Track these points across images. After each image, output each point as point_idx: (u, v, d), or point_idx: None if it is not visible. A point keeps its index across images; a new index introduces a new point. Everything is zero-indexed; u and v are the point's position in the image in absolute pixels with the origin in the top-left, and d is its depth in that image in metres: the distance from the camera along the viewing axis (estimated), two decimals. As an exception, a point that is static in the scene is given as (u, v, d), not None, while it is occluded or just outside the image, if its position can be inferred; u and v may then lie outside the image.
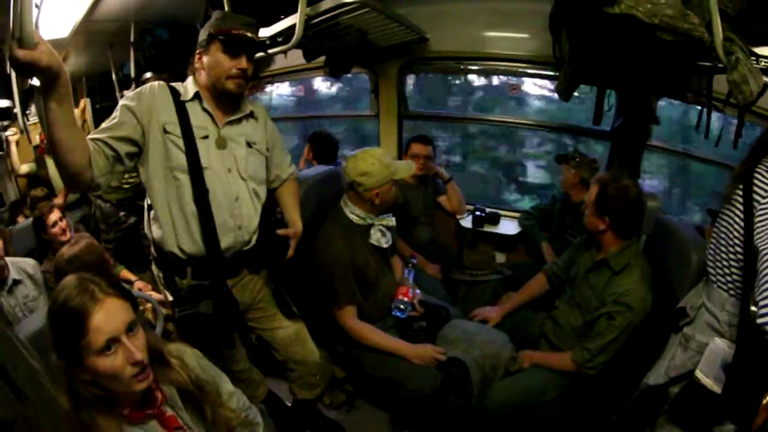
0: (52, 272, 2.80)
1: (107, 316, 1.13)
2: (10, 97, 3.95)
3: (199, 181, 1.80)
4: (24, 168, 5.21)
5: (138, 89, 1.81)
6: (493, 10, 2.98)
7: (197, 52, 1.83)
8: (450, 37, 3.12)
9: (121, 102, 1.76)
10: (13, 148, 5.25)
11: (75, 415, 1.19)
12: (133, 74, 4.00)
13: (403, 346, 2.32)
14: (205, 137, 1.84)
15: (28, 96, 3.92)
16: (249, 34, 1.80)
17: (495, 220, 3.61)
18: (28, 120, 5.14)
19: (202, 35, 1.82)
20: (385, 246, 2.43)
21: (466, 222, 3.63)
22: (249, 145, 1.95)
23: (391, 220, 2.43)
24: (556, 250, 3.10)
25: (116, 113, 1.73)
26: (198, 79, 1.87)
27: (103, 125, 1.72)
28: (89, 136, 1.62)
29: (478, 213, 3.55)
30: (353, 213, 2.37)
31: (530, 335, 2.51)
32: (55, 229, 3.06)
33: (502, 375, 2.32)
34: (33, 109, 5.13)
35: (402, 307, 2.45)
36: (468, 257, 3.31)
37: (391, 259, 2.68)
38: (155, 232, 1.90)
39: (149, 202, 1.91)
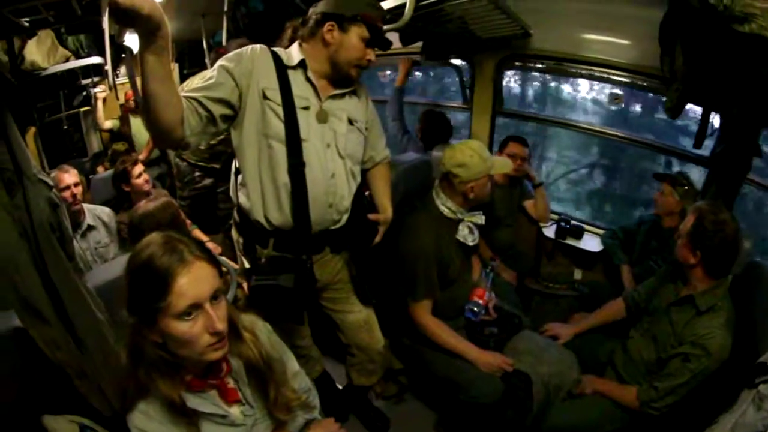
0: (126, 224, 2.97)
1: (194, 280, 1.12)
2: (102, 54, 4.13)
3: (296, 153, 1.78)
4: (108, 123, 5.51)
5: (238, 50, 1.78)
6: (597, 12, 2.87)
7: (328, 24, 1.76)
8: (552, 35, 3.03)
9: (219, 62, 1.75)
10: (100, 104, 5.55)
11: (133, 373, 1.20)
12: (224, 43, 4.05)
13: (473, 350, 2.28)
14: (306, 108, 1.81)
15: (119, 54, 4.10)
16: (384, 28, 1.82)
17: (578, 234, 3.51)
18: (117, 78, 5.47)
19: (340, 8, 1.76)
20: (470, 244, 2.39)
21: (549, 231, 3.56)
22: (350, 122, 1.93)
23: (481, 219, 2.38)
24: (635, 276, 2.98)
25: (213, 73, 1.72)
26: (308, 48, 1.83)
27: (199, 84, 1.70)
28: (183, 94, 1.59)
29: (562, 224, 3.48)
30: (444, 205, 2.32)
31: (597, 360, 2.43)
32: (139, 180, 3.21)
33: (564, 397, 2.26)
34: (122, 69, 5.45)
35: (476, 309, 2.40)
36: (545, 268, 3.25)
37: (471, 257, 2.64)
38: (242, 198, 1.90)
39: (237, 167, 1.92)
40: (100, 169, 4.88)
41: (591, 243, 3.50)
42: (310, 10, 1.85)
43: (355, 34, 1.77)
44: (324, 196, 1.86)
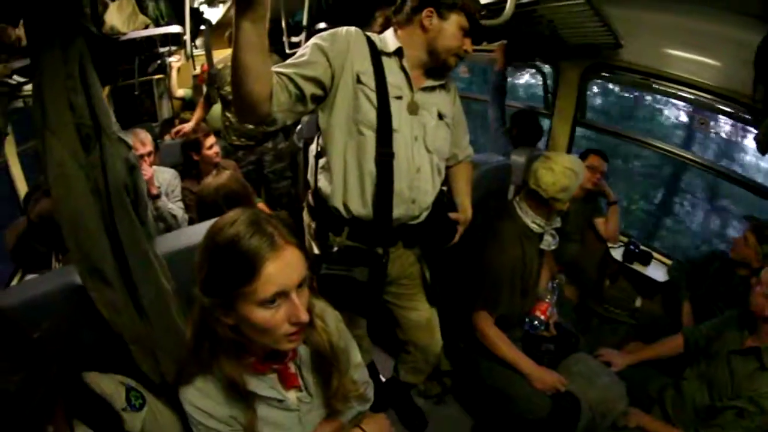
0: (194, 195, 3.05)
1: (284, 267, 1.05)
2: (182, 24, 4.27)
3: (385, 142, 1.73)
4: (180, 92, 5.67)
5: (332, 31, 1.73)
6: (690, 29, 2.72)
7: (427, 10, 1.73)
8: (641, 47, 2.91)
9: (312, 40, 1.70)
10: (174, 73, 5.74)
11: (197, 349, 1.19)
12: (305, 22, 4.06)
13: (529, 364, 2.23)
14: (399, 98, 1.77)
15: (198, 26, 4.22)
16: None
17: (646, 260, 3.40)
18: (195, 48, 5.64)
19: None
20: (552, 248, 2.36)
21: (616, 252, 3.48)
22: (440, 116, 1.88)
23: (559, 222, 2.33)
24: (696, 314, 2.85)
25: (306, 51, 1.67)
26: (404, 35, 1.79)
27: (290, 61, 1.66)
28: (274, 69, 1.55)
29: (631, 247, 3.40)
30: (534, 222, 2.26)
31: (646, 395, 2.34)
32: (210, 152, 3.27)
33: (607, 426, 2.18)
34: (198, 41, 5.62)
35: (536, 323, 2.38)
36: (608, 291, 3.15)
37: (542, 268, 2.59)
38: (321, 182, 1.85)
39: (319, 150, 1.87)
40: (167, 137, 5.07)
41: (657, 272, 3.38)
42: None
43: (455, 22, 1.72)
44: (408, 190, 1.81)
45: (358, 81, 1.71)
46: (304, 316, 1.08)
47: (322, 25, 3.75)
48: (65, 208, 1.21)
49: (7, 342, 1.14)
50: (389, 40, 1.80)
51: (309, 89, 1.64)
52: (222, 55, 4.06)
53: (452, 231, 2.01)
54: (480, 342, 2.29)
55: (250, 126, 3.88)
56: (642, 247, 3.42)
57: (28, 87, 3.49)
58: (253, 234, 1.04)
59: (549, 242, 2.32)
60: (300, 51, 1.70)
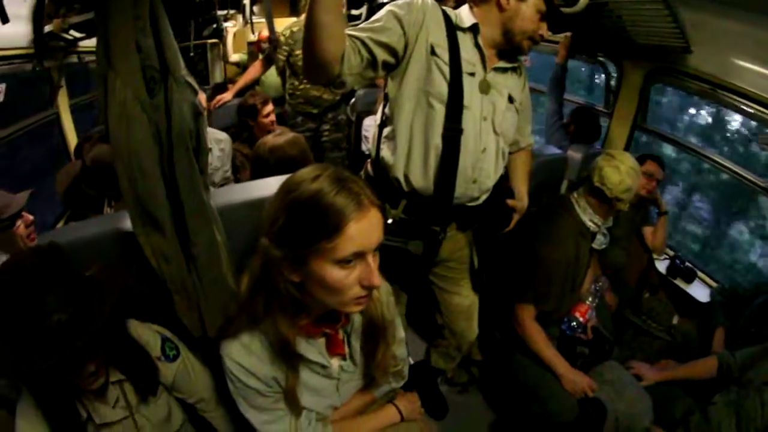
0: (245, 158, 3.07)
1: (367, 227, 1.03)
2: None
3: (455, 117, 1.69)
4: (235, 57, 5.69)
5: (408, 0, 1.66)
6: (763, 41, 2.52)
7: None
8: (710, 55, 2.74)
9: (387, 7, 1.65)
10: (230, 38, 5.78)
11: (250, 303, 1.17)
12: None
13: (563, 364, 2.19)
14: (471, 74, 1.72)
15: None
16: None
17: (690, 277, 3.28)
18: (254, 14, 5.66)
19: None
20: (602, 247, 2.31)
21: (660, 265, 3.37)
22: (510, 99, 1.84)
23: (611, 221, 2.29)
24: (729, 344, 2.73)
25: (381, 16, 1.63)
26: (479, 13, 1.73)
27: (364, 25, 1.62)
28: (347, 31, 1.52)
29: (677, 262, 3.28)
30: (592, 220, 2.22)
31: (671, 415, 2.27)
32: (266, 120, 3.32)
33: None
34: (256, 8, 5.64)
35: (574, 324, 2.34)
36: (647, 303, 3.06)
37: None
38: (384, 151, 1.82)
39: (384, 118, 1.83)
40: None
41: (699, 291, 3.26)
42: None
43: (532, 5, 1.67)
44: (471, 170, 1.77)
45: (433, 53, 1.67)
46: (377, 280, 1.07)
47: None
48: (124, 150, 1.19)
49: (60, 277, 1.16)
50: (465, 15, 1.74)
51: (381, 55, 1.61)
52: (282, 24, 4.05)
53: (508, 217, 1.97)
54: (517, 335, 2.26)
55: (315, 93, 3.96)
56: (687, 264, 3.30)
57: (84, 43, 3.59)
58: (339, 191, 1.02)
59: (601, 241, 2.28)
60: (375, 16, 1.66)
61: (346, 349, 1.34)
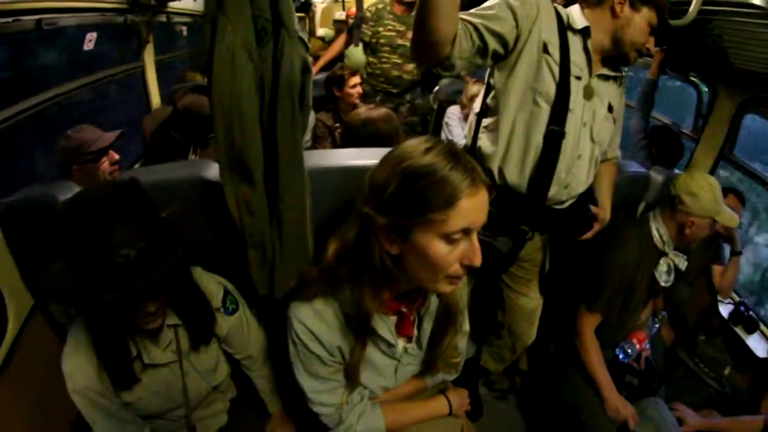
0: (332, 126, 3.13)
1: (477, 204, 1.01)
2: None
3: (559, 120, 1.66)
4: (321, 31, 5.79)
5: None
6: None
7: None
8: None
9: None
10: (319, 12, 5.88)
11: (334, 269, 1.15)
12: None
13: (611, 387, 2.09)
14: (578, 78, 1.68)
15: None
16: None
17: (752, 328, 3.03)
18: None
19: None
20: (662, 284, 2.20)
21: (723, 308, 3.16)
22: (609, 108, 1.80)
23: (683, 263, 2.18)
24: None
25: (494, 4, 1.58)
26: (590, 15, 1.68)
27: (477, 11, 1.57)
28: (460, 15, 1.47)
29: (741, 308, 3.06)
30: (658, 231, 2.13)
31: None
32: (352, 91, 3.35)
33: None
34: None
35: (629, 351, 2.24)
36: (702, 346, 2.93)
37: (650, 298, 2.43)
38: (483, 141, 1.79)
39: (486, 108, 1.80)
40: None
41: (759, 345, 3.02)
42: None
43: (645, 16, 1.63)
44: (565, 173, 1.74)
45: (545, 50, 1.62)
46: (479, 260, 1.04)
47: None
48: (226, 95, 1.18)
49: (134, 211, 1.14)
50: (577, 16, 1.69)
51: (492, 44, 1.56)
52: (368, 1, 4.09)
53: (589, 225, 1.92)
54: (572, 349, 2.20)
55: (396, 72, 4.03)
56: (752, 313, 3.06)
57: (173, 3, 3.73)
58: (454, 165, 0.99)
59: (661, 273, 2.18)
60: (487, 3, 1.61)
61: (415, 332, 1.31)
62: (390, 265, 1.08)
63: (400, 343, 1.31)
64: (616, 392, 2.10)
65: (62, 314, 1.82)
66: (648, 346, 2.31)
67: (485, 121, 1.80)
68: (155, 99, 3.94)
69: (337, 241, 1.17)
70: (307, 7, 6.02)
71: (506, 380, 2.67)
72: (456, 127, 3.81)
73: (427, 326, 1.32)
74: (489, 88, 1.78)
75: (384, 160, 1.08)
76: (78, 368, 1.27)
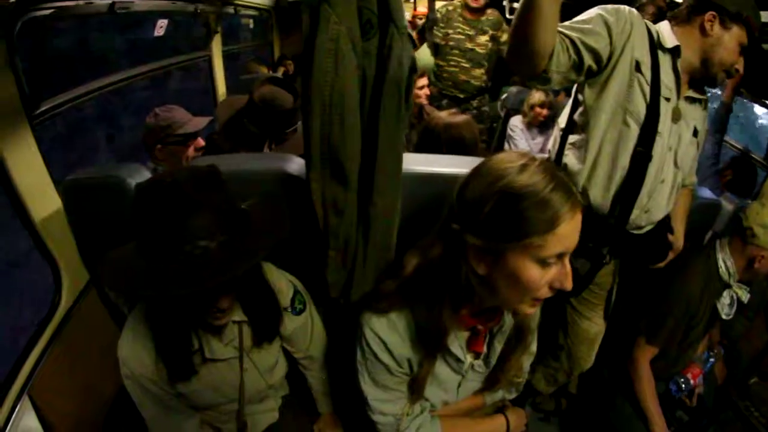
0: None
1: (574, 228, 0.96)
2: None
3: (647, 142, 1.57)
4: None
5: (615, 6, 1.53)
6: None
7: (710, 13, 1.54)
8: None
9: (596, 9, 1.53)
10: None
11: (414, 283, 1.12)
12: None
13: (661, 423, 2.00)
14: (667, 99, 1.59)
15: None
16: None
17: (809, 376, 2.85)
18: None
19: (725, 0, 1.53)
20: (723, 317, 2.09)
21: (779, 351, 2.97)
22: (695, 133, 1.71)
23: (747, 296, 2.06)
24: None
25: (589, 18, 1.51)
26: (679, 33, 1.60)
27: (572, 24, 1.50)
28: (558, 28, 1.40)
29: (799, 352, 2.86)
30: (725, 262, 2.01)
31: None
32: (420, 92, 3.20)
33: None
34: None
35: (683, 386, 2.16)
36: (755, 389, 2.80)
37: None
38: (569, 158, 1.72)
39: (573, 124, 1.72)
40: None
41: None
42: None
43: (735, 35, 1.55)
44: (647, 198, 1.66)
45: (637, 69, 1.54)
46: (570, 284, 1.00)
47: None
48: (327, 87, 1.11)
49: (214, 202, 1.05)
50: (667, 34, 1.60)
51: (587, 60, 1.49)
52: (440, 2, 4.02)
53: (665, 253, 1.86)
54: (626, 377, 2.11)
55: (463, 77, 3.96)
56: None
57: None
58: (555, 187, 0.93)
59: (724, 305, 2.07)
60: (582, 16, 1.53)
61: (484, 349, 1.27)
62: (475, 285, 1.03)
63: (468, 359, 1.26)
64: (665, 427, 2.03)
65: (120, 298, 1.81)
66: (701, 382, 2.23)
67: (572, 138, 1.72)
68: (221, 88, 3.98)
69: (417, 257, 1.14)
70: None
71: (553, 401, 2.59)
72: (520, 140, 3.73)
73: (498, 345, 1.28)
74: (576, 104, 1.70)
75: (476, 176, 1.01)
76: (134, 356, 1.22)
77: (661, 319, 2.02)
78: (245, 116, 2.09)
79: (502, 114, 4.23)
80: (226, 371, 1.36)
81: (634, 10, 1.57)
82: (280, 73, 4.67)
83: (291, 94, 2.09)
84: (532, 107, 3.72)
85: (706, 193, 2.31)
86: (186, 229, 1.01)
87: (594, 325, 2.03)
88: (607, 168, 1.63)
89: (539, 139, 3.78)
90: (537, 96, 3.70)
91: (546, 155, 2.99)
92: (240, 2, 4.08)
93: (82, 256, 1.76)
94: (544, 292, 1.00)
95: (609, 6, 1.54)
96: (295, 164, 1.48)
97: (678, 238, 1.90)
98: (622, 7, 1.55)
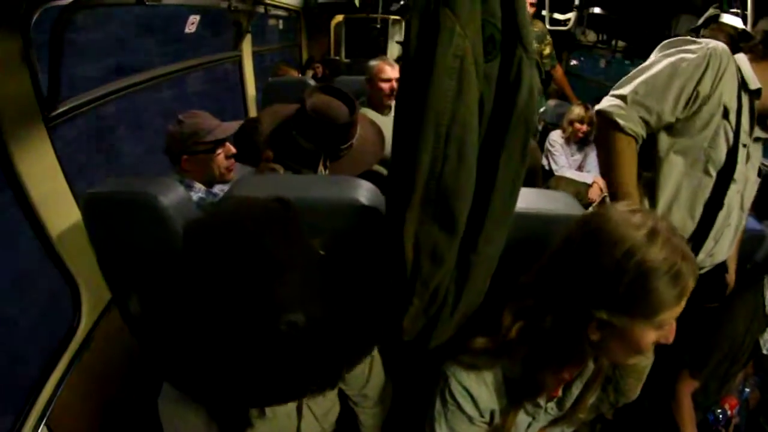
0: None
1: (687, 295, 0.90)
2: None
3: (722, 190, 1.45)
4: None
5: (706, 50, 1.37)
6: None
7: None
8: None
9: (684, 48, 1.39)
10: None
11: (512, 343, 1.01)
12: (577, 1, 3.59)
13: None
14: (744, 145, 1.45)
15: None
16: None
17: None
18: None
19: None
20: (764, 352, 2.02)
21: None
22: (759, 173, 1.60)
23: None
24: None
25: (683, 62, 1.39)
26: (757, 69, 1.42)
27: (649, 83, 1.42)
28: (628, 94, 1.42)
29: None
30: None
31: None
32: None
33: None
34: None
35: (721, 417, 2.11)
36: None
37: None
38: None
39: (643, 161, 1.54)
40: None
41: None
42: (760, 24, 1.52)
43: None
44: (713, 242, 1.55)
45: (725, 116, 1.39)
46: (672, 339, 0.97)
47: (596, 9, 3.34)
48: (445, 116, 0.87)
49: (302, 255, 0.80)
50: (750, 74, 1.42)
51: (666, 119, 1.41)
52: None
53: (723, 293, 1.79)
54: (666, 408, 2.06)
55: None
56: None
57: None
58: (684, 257, 0.87)
59: (766, 341, 2.01)
60: (669, 63, 1.39)
61: (560, 393, 1.20)
62: (585, 349, 0.97)
63: (542, 403, 1.19)
64: None
65: (136, 308, 1.63)
66: (738, 413, 2.17)
67: (643, 177, 1.55)
68: (251, 90, 3.74)
69: (519, 319, 1.01)
70: (404, 10, 5.82)
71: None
72: (560, 156, 3.46)
73: (576, 390, 1.21)
74: (650, 143, 1.51)
75: (598, 243, 0.90)
76: (179, 415, 0.99)
77: (706, 355, 1.97)
78: (295, 128, 1.76)
79: (540, 128, 3.99)
80: (284, 421, 1.17)
81: (726, 47, 1.40)
82: (309, 76, 4.45)
83: (346, 105, 1.76)
84: (571, 122, 3.47)
85: (753, 223, 2.18)
86: (270, 300, 0.74)
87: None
88: (682, 216, 1.50)
89: (578, 156, 3.52)
90: (577, 111, 3.46)
91: (589, 176, 2.80)
92: (271, 1, 3.88)
93: (103, 272, 1.56)
94: (649, 347, 0.96)
95: (699, 52, 1.38)
96: (370, 192, 1.23)
97: (732, 275, 1.80)
98: (717, 45, 1.38)
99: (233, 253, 0.73)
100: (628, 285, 0.86)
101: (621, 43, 4.04)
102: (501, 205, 0.97)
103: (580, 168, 3.28)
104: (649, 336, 0.90)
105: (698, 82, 1.34)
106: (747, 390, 2.22)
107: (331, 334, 0.79)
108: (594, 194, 2.74)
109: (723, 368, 1.98)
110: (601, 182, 2.80)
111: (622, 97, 1.38)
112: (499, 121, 0.90)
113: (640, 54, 3.35)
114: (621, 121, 1.37)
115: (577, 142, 3.53)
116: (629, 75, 1.45)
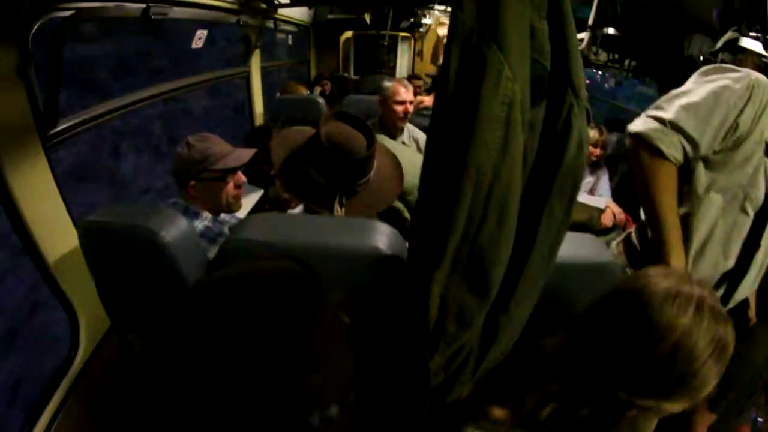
0: None
1: None
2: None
3: (759, 230, 1.38)
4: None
5: (745, 83, 1.29)
6: None
7: None
8: None
9: (725, 78, 1.30)
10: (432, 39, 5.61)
11: (536, 424, 0.94)
12: (590, 21, 3.35)
13: None
14: None
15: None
16: None
17: None
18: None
19: None
20: None
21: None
22: None
23: None
24: None
25: (722, 93, 1.31)
26: None
27: (696, 107, 1.33)
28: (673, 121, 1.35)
29: None
30: None
31: None
32: None
33: None
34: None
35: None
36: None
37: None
38: None
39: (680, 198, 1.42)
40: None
41: None
42: None
43: None
44: (754, 272, 1.48)
45: (766, 152, 1.32)
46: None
47: (610, 30, 3.24)
48: (486, 172, 0.75)
49: (332, 337, 0.64)
50: None
51: (705, 149, 1.34)
52: None
53: (746, 328, 1.74)
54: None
55: None
56: None
57: (283, 10, 3.53)
58: (724, 323, 0.84)
59: None
60: (710, 90, 1.31)
61: None
62: (622, 428, 0.96)
63: None
64: None
65: (137, 339, 1.56)
66: None
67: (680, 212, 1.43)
68: (258, 108, 3.66)
69: (551, 403, 0.94)
70: (414, 27, 5.75)
71: None
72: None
73: None
74: (684, 176, 1.42)
75: (648, 331, 0.83)
76: None
77: (724, 389, 1.90)
78: (308, 160, 1.53)
79: None
80: None
81: (765, 80, 1.31)
82: (317, 93, 4.37)
83: (364, 136, 1.53)
84: (594, 144, 3.39)
85: None
86: (305, 397, 0.60)
87: None
88: (714, 255, 1.42)
89: (590, 179, 3.41)
90: (590, 134, 3.36)
91: (602, 201, 2.69)
92: (280, 17, 3.80)
93: (102, 300, 1.47)
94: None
95: (742, 83, 1.29)
96: (391, 239, 1.10)
97: (752, 309, 1.73)
98: (756, 81, 1.30)
99: (260, 342, 0.59)
100: (677, 375, 0.81)
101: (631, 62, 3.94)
102: (538, 265, 0.87)
103: (591, 191, 3.19)
104: (678, 408, 0.86)
105: (740, 114, 1.27)
106: (760, 420, 2.19)
107: (367, 421, 0.65)
108: (607, 220, 2.63)
109: (742, 402, 1.93)
110: (615, 207, 2.71)
111: (662, 121, 1.30)
112: (543, 175, 0.80)
113: (651, 73, 3.25)
114: (663, 147, 1.29)
115: (590, 165, 3.42)
116: (666, 97, 1.37)
